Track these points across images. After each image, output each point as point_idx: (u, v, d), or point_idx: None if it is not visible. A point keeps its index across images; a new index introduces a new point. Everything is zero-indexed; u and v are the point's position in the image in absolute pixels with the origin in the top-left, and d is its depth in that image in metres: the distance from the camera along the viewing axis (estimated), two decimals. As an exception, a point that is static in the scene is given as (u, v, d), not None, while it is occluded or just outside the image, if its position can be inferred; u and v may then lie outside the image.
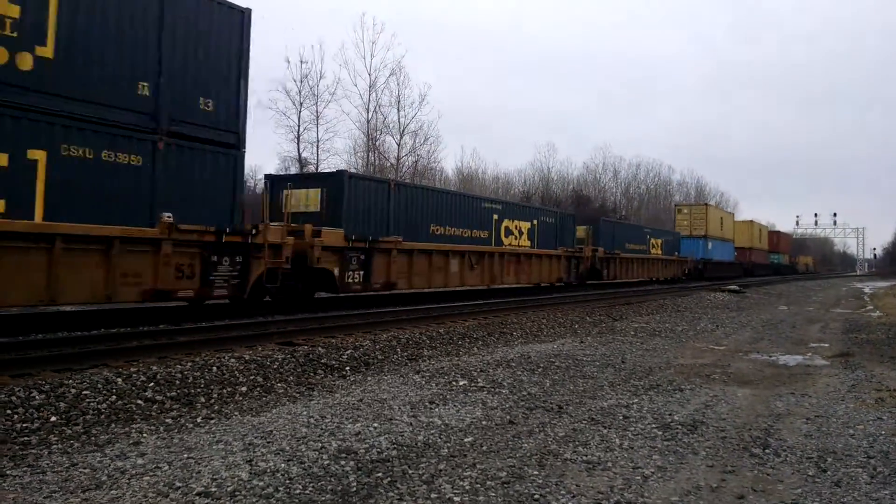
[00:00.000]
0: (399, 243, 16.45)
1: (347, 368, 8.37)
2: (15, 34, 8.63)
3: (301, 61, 39.65)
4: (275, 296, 13.27)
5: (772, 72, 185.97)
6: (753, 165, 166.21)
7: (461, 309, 15.72)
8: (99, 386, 6.37)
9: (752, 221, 58.89)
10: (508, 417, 6.01)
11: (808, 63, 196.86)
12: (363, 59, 41.49)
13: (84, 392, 6.17)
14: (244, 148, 11.73)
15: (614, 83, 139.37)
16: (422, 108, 42.58)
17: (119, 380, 6.62)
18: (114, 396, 6.20)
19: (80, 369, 7.04)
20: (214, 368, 7.50)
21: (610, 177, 75.43)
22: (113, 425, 5.54)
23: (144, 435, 5.26)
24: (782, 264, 68.94)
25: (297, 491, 4.06)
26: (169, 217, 10.18)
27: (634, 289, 29.29)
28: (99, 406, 5.93)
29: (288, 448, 4.90)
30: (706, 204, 48.91)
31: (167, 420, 5.76)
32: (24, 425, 5.34)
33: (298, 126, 37.15)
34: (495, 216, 21.27)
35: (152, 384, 6.67)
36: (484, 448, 5.05)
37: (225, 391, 6.84)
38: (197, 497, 3.91)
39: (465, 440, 5.25)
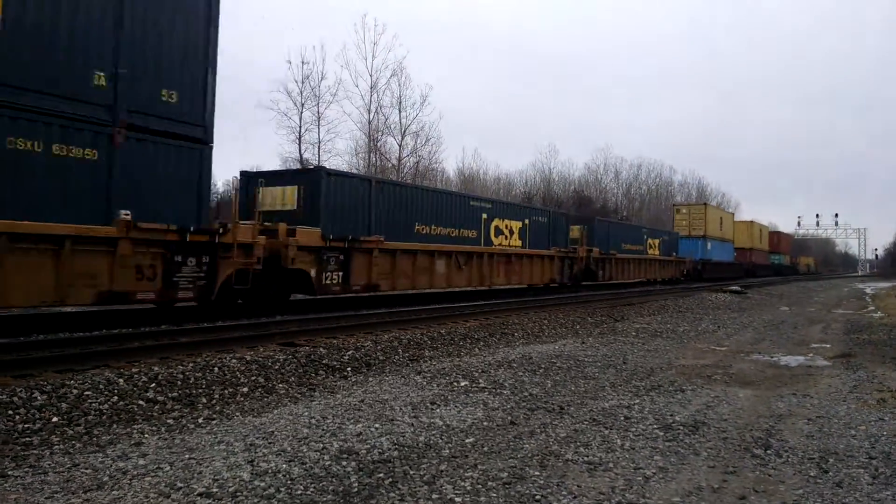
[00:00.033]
0: (381, 243, 15.89)
1: (349, 369, 8.37)
2: None
3: (302, 62, 39.83)
4: (246, 298, 12.73)
5: (772, 71, 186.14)
6: (755, 166, 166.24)
7: (462, 310, 15.71)
8: (101, 386, 6.37)
9: (752, 222, 58.59)
10: (510, 418, 6.01)
11: (807, 63, 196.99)
12: (364, 60, 41.54)
13: (86, 393, 6.18)
14: (212, 142, 11.08)
15: (615, 83, 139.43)
16: (423, 108, 42.49)
17: (121, 380, 6.63)
18: (115, 397, 6.21)
19: (82, 370, 7.05)
20: (216, 369, 7.51)
21: (611, 177, 75.52)
22: (115, 426, 5.54)
23: (146, 435, 5.26)
24: (783, 265, 68.76)
25: (299, 491, 4.06)
26: (127, 215, 9.55)
27: (635, 289, 29.07)
28: (101, 407, 5.94)
29: (289, 448, 4.90)
30: (705, 204, 48.35)
31: (169, 421, 5.76)
32: (26, 426, 5.35)
33: (300, 127, 37.23)
34: (484, 215, 20.72)
35: (154, 385, 6.68)
36: (485, 449, 5.05)
37: (226, 392, 6.85)
38: (198, 497, 3.92)
39: (467, 441, 5.25)
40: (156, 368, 7.26)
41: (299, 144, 37.20)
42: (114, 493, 3.98)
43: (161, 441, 5.10)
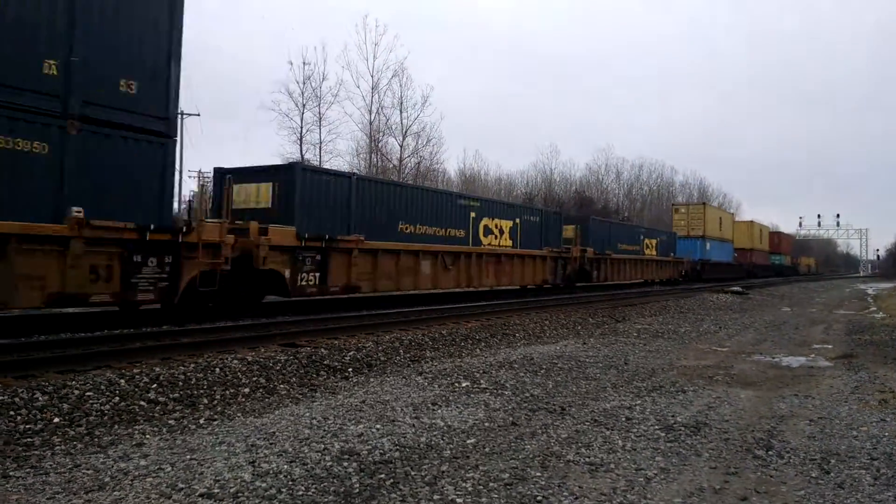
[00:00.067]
0: (361, 242, 15.06)
1: (350, 370, 8.37)
2: None
3: (304, 63, 39.65)
4: (214, 300, 12.01)
5: (772, 72, 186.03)
6: (756, 166, 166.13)
7: (463, 311, 15.71)
8: (102, 387, 6.38)
9: (752, 222, 58.24)
10: (511, 419, 6.01)
11: (805, 62, 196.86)
12: (366, 61, 41.74)
13: (87, 393, 6.18)
14: (176, 136, 10.45)
15: (615, 83, 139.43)
16: (424, 109, 42.45)
17: (122, 381, 6.63)
18: (117, 398, 6.21)
19: (84, 371, 7.05)
20: (217, 370, 7.51)
21: (613, 178, 75.50)
22: (116, 426, 5.55)
23: (147, 436, 5.27)
24: (784, 265, 68.55)
25: (300, 492, 4.06)
26: (79, 212, 8.90)
27: (633, 290, 28.97)
28: (102, 407, 5.94)
29: (290, 449, 4.90)
30: (704, 203, 47.56)
31: (170, 421, 5.77)
32: (28, 426, 5.35)
33: (301, 128, 37.20)
34: (473, 214, 19.99)
35: (155, 385, 6.68)
36: (486, 449, 5.05)
37: (228, 392, 6.85)
38: (200, 498, 3.92)
39: (468, 441, 5.25)
40: (157, 369, 7.26)
41: (300, 145, 37.21)
42: (115, 493, 3.98)
43: (162, 442, 5.11)
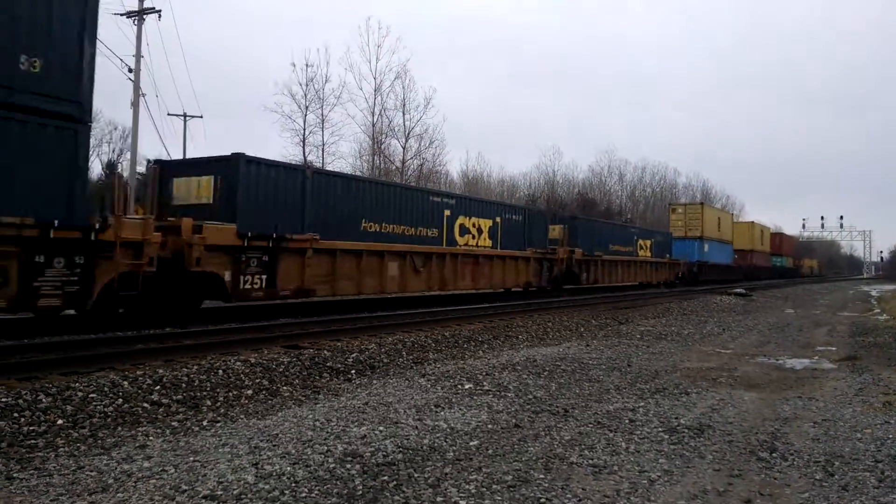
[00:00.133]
0: (315, 242, 13.80)
1: (353, 372, 8.37)
2: None
3: (306, 65, 39.59)
4: (137, 306, 10.81)
5: (773, 72, 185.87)
6: (757, 168, 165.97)
7: (466, 312, 15.71)
8: (105, 389, 6.39)
9: (752, 222, 57.56)
10: (514, 421, 6.00)
11: (804, 62, 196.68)
12: (368, 63, 41.58)
13: (91, 395, 6.19)
14: (90, 121, 9.31)
15: (615, 83, 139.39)
16: (427, 111, 42.42)
17: (125, 383, 6.64)
18: (120, 399, 6.22)
19: (87, 372, 7.07)
20: (220, 371, 7.52)
21: (615, 180, 75.41)
22: (119, 428, 5.55)
23: (150, 438, 5.27)
24: (785, 267, 68.05)
25: (303, 494, 4.06)
26: None
27: (631, 293, 28.53)
28: (105, 409, 5.95)
29: (293, 451, 4.90)
30: (702, 203, 46.09)
31: (173, 423, 5.77)
32: (31, 428, 5.36)
33: (304, 129, 37.21)
34: (447, 212, 18.81)
35: (158, 387, 6.69)
36: (489, 452, 5.05)
37: (231, 394, 6.86)
38: (203, 500, 3.92)
39: (471, 444, 5.25)
40: (160, 371, 7.27)
41: (303, 147, 37.23)
42: (119, 495, 3.98)
43: (166, 443, 5.11)
